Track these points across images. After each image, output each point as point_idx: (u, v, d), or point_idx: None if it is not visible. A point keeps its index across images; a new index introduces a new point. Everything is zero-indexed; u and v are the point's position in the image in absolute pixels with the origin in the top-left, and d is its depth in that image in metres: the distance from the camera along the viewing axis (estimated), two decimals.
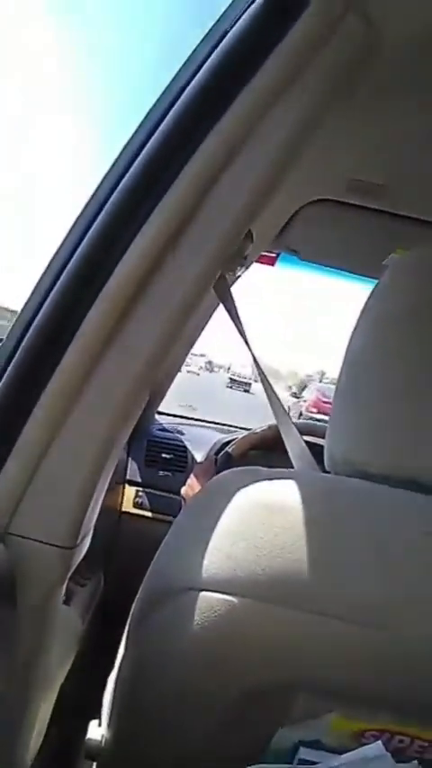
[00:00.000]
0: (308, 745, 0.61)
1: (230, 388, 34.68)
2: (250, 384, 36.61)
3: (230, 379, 37.51)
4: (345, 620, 0.55)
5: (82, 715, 0.87)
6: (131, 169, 0.60)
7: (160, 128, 0.60)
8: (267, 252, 1.51)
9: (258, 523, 0.57)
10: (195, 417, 2.40)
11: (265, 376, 0.86)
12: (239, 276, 1.02)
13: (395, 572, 0.55)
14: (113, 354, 0.60)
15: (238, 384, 35.32)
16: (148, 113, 0.62)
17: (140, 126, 0.62)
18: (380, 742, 0.59)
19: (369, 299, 0.67)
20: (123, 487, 1.77)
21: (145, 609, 0.63)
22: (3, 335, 0.64)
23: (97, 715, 0.85)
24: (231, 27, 0.59)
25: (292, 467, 0.73)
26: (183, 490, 1.41)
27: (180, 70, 0.61)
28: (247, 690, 0.58)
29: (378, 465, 0.62)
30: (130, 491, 1.77)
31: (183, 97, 0.60)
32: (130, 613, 0.66)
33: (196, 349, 2.03)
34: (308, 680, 0.58)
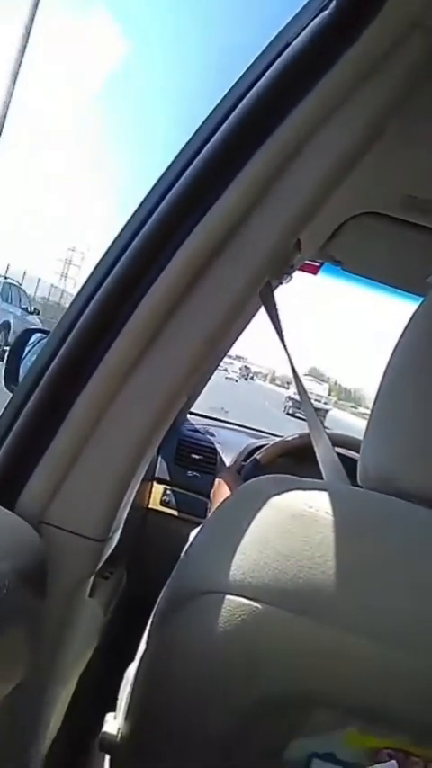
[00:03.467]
0: (321, 758, 0.60)
1: (291, 414, 22.25)
2: (326, 411, 27.99)
3: (290, 399, 25.07)
4: (370, 638, 0.54)
5: (99, 707, 0.88)
6: (186, 173, 0.61)
7: (216, 135, 0.60)
8: (311, 261, 1.50)
9: (288, 532, 0.57)
10: (227, 420, 2.40)
11: (302, 384, 0.85)
12: (284, 283, 1.02)
13: (425, 593, 0.55)
14: (157, 354, 0.61)
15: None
16: (204, 122, 0.62)
17: (196, 132, 0.62)
18: (394, 761, 0.58)
19: (413, 316, 0.66)
20: (152, 485, 1.78)
21: (169, 607, 0.63)
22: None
23: (114, 708, 0.85)
24: (294, 39, 0.60)
25: (321, 477, 0.72)
26: (211, 493, 1.42)
27: (239, 80, 0.62)
28: (264, 697, 0.58)
29: (412, 483, 0.61)
30: (158, 488, 1.78)
31: (239, 107, 0.60)
32: (154, 610, 0.67)
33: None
34: (326, 693, 0.57)
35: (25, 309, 12.64)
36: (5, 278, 12.84)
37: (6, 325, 11.40)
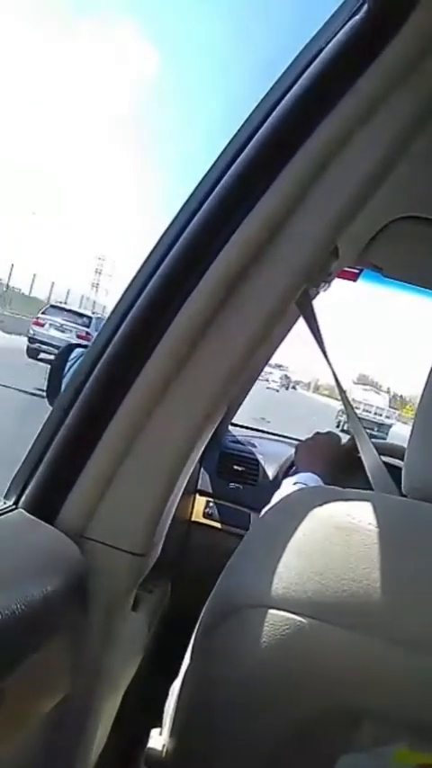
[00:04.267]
0: None
1: (347, 431, 8.48)
2: (389, 427, 23.31)
3: (344, 413, 9.97)
4: (417, 650, 0.53)
5: (145, 722, 0.88)
6: (223, 180, 0.61)
7: (250, 144, 0.60)
8: (350, 267, 1.48)
9: (331, 545, 0.56)
10: (269, 431, 2.38)
11: (345, 393, 0.84)
12: (321, 292, 1.01)
13: None
14: (194, 367, 0.60)
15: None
16: (243, 125, 0.62)
17: (235, 137, 0.62)
18: None
19: None
20: (194, 497, 1.78)
21: (212, 622, 0.62)
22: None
23: (159, 723, 0.85)
24: (333, 38, 0.59)
25: (368, 487, 0.71)
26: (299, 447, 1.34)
27: (274, 86, 0.62)
28: (309, 713, 0.57)
29: None
30: (200, 501, 1.78)
31: (275, 113, 0.60)
32: (197, 625, 0.66)
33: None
34: (373, 708, 0.56)
35: None
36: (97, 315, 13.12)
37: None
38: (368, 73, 0.58)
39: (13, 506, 0.62)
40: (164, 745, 0.78)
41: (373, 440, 0.87)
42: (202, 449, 0.77)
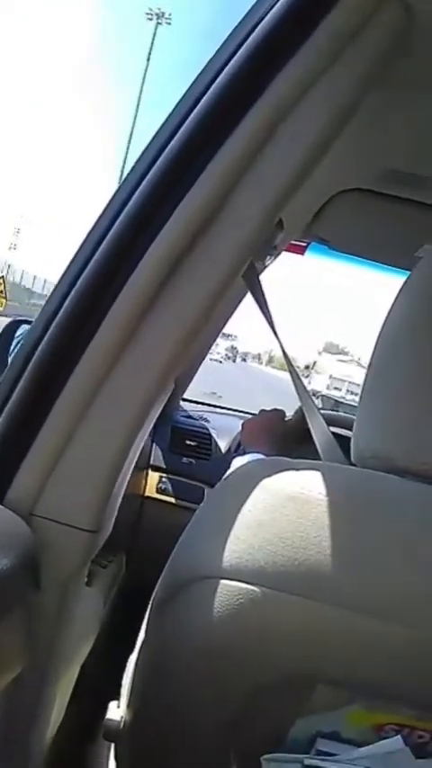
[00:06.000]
0: (326, 737, 0.60)
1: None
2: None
3: (322, 396, 17.60)
4: (368, 615, 0.54)
5: (102, 696, 0.88)
6: (163, 154, 0.60)
7: (192, 114, 0.59)
8: (297, 241, 1.49)
9: (282, 514, 0.57)
10: (221, 405, 2.40)
11: (293, 365, 0.85)
12: (268, 265, 1.01)
13: (423, 569, 0.55)
14: (140, 340, 0.60)
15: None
16: (182, 98, 0.61)
17: (173, 111, 0.61)
18: (399, 736, 0.58)
19: (401, 291, 0.66)
20: (147, 473, 1.78)
21: (165, 595, 0.63)
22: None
23: (117, 696, 0.86)
24: (267, 12, 0.59)
25: (315, 457, 0.72)
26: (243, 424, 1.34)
27: (215, 55, 0.61)
28: (264, 680, 0.58)
29: (406, 459, 0.61)
30: (153, 477, 1.78)
31: (216, 82, 0.59)
32: (151, 599, 0.67)
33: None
34: (327, 672, 0.58)
35: None
36: None
37: None
38: (308, 43, 0.58)
39: None
40: (122, 717, 0.79)
41: (322, 410, 0.88)
42: (152, 423, 0.77)
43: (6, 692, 0.59)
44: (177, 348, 0.61)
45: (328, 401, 14.11)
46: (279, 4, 0.58)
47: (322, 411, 0.89)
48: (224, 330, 2.05)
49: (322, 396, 17.67)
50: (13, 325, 1.20)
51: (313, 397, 0.84)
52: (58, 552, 0.61)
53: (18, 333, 1.19)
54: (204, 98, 0.59)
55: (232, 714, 0.61)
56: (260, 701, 0.60)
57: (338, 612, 0.54)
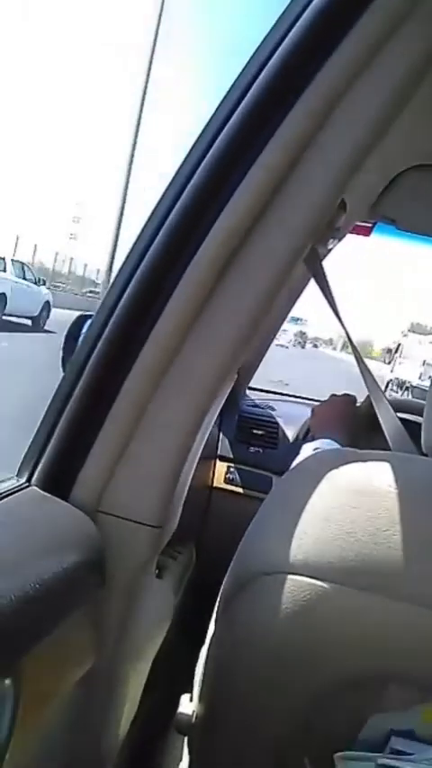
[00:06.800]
0: (400, 735, 0.59)
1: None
2: None
3: (402, 384, 15.60)
4: None
5: (176, 688, 0.89)
6: (218, 139, 0.58)
7: (247, 96, 0.58)
8: (362, 222, 1.45)
9: (350, 508, 0.55)
10: (287, 393, 2.37)
11: (358, 351, 0.82)
12: (332, 248, 0.98)
13: None
14: (200, 330, 0.59)
15: None
16: (235, 82, 0.59)
17: (227, 95, 0.60)
18: None
19: None
20: (215, 463, 1.78)
21: (233, 589, 0.62)
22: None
23: (189, 689, 0.86)
24: None
25: (386, 447, 0.70)
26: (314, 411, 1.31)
27: (274, 26, 0.58)
28: (335, 677, 0.57)
29: None
30: (221, 467, 1.78)
31: (275, 56, 0.57)
32: (220, 592, 0.66)
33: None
34: (397, 669, 0.56)
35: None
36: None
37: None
38: (368, 14, 0.55)
39: (26, 484, 0.61)
40: (193, 711, 0.79)
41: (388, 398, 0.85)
42: (216, 414, 0.76)
43: (79, 686, 0.60)
44: (239, 336, 0.60)
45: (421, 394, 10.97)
46: None
47: (391, 398, 0.86)
48: (293, 314, 2.01)
49: (413, 387, 14.49)
50: (80, 319, 1.22)
51: (398, 388, 0.81)
52: (124, 549, 0.61)
53: (85, 328, 1.20)
54: (260, 75, 0.57)
55: (303, 711, 0.60)
56: (330, 699, 0.59)
57: (408, 608, 0.53)
